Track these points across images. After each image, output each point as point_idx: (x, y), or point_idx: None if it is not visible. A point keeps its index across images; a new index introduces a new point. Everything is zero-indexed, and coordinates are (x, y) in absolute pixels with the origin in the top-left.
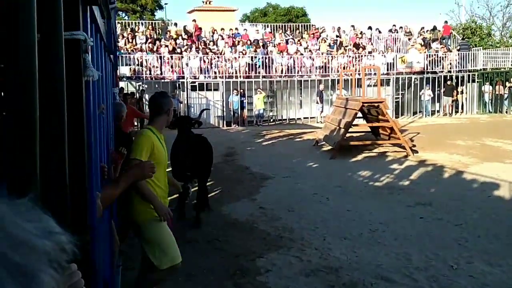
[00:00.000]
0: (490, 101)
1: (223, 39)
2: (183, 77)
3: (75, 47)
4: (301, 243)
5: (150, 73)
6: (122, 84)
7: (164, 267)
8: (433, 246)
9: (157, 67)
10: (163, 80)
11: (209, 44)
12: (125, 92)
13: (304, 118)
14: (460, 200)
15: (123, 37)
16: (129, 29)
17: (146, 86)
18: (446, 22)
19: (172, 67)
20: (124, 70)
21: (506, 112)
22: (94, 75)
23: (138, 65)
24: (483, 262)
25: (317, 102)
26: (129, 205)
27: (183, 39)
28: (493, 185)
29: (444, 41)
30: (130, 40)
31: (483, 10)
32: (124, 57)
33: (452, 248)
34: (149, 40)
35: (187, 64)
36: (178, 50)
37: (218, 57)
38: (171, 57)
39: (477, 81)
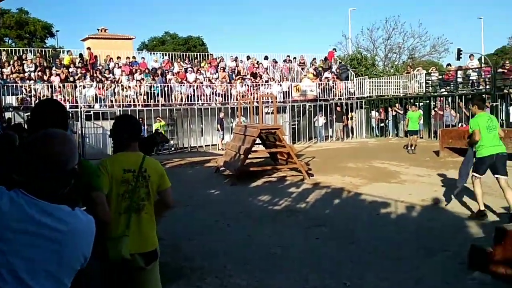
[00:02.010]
0: (376, 126)
1: (119, 67)
2: (76, 107)
3: None
4: (202, 272)
5: None
6: (8, 114)
7: None
8: (329, 265)
9: (47, 96)
10: None
11: (104, 72)
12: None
13: (206, 145)
14: (352, 219)
15: (9, 64)
16: (15, 57)
17: None
18: (334, 49)
19: (64, 96)
20: (10, 100)
21: (390, 136)
22: None
23: (26, 94)
24: (374, 277)
25: (217, 130)
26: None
27: (76, 67)
28: (381, 203)
29: (336, 70)
30: (17, 68)
31: (367, 42)
32: (10, 86)
33: (346, 266)
34: (39, 68)
35: (81, 93)
36: (71, 79)
37: (114, 86)
38: (63, 85)
39: (365, 108)
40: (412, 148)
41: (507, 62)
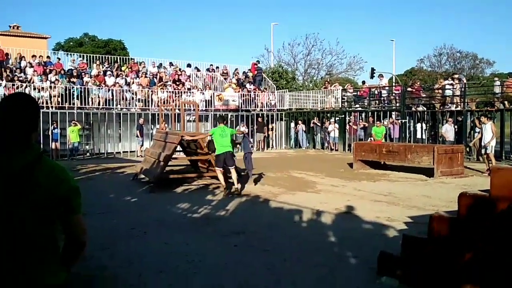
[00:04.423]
0: (295, 137)
1: (32, 66)
2: None
3: None
4: (115, 281)
5: None
6: None
7: None
8: (245, 272)
9: None
10: None
11: (15, 72)
12: None
13: (124, 152)
14: (270, 227)
15: None
16: None
17: None
18: (258, 61)
19: None
20: None
21: (307, 147)
22: None
23: None
24: (289, 284)
25: (137, 136)
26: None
27: None
28: (298, 211)
29: (256, 82)
30: None
31: (288, 56)
32: None
33: (262, 273)
34: None
35: None
36: None
37: (26, 85)
38: None
39: (285, 120)
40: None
41: (417, 83)
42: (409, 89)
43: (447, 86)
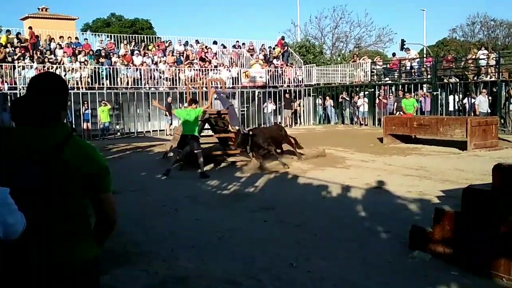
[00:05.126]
0: (323, 113)
1: (61, 48)
2: (15, 88)
3: None
4: (148, 256)
5: None
6: None
7: None
8: (275, 247)
9: None
10: None
11: (45, 53)
12: None
13: (153, 131)
14: (300, 202)
15: None
16: None
17: None
18: (282, 37)
19: (2, 77)
20: None
21: (336, 123)
22: None
23: None
24: (319, 258)
25: (165, 115)
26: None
27: (14, 47)
28: (327, 187)
29: (283, 57)
30: None
31: (315, 30)
32: None
33: (292, 248)
34: None
35: (20, 74)
36: (9, 59)
37: (56, 67)
38: (1, 66)
39: (312, 95)
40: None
41: (451, 54)
42: (441, 60)
43: (481, 56)
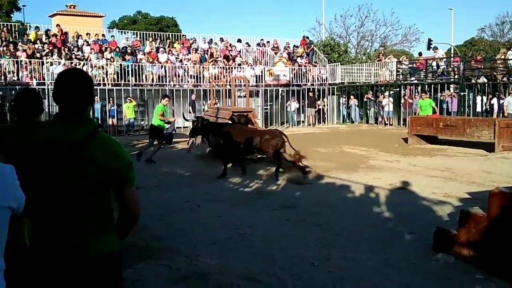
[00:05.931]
0: (347, 112)
1: (89, 45)
2: (43, 84)
3: None
4: (170, 251)
5: (5, 79)
6: None
7: None
8: (296, 246)
9: (13, 72)
10: (18, 86)
11: (73, 50)
12: None
13: (177, 127)
14: (321, 202)
15: None
16: None
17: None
18: (305, 37)
19: (31, 72)
20: None
21: (360, 122)
22: None
23: None
24: (340, 258)
25: (189, 112)
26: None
27: (42, 43)
28: (350, 187)
29: (308, 55)
30: None
31: (340, 29)
32: None
33: (313, 247)
34: (4, 43)
35: (48, 70)
36: (38, 55)
37: (83, 63)
38: (30, 62)
39: (336, 94)
40: None
41: (480, 55)
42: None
43: (510, 57)
